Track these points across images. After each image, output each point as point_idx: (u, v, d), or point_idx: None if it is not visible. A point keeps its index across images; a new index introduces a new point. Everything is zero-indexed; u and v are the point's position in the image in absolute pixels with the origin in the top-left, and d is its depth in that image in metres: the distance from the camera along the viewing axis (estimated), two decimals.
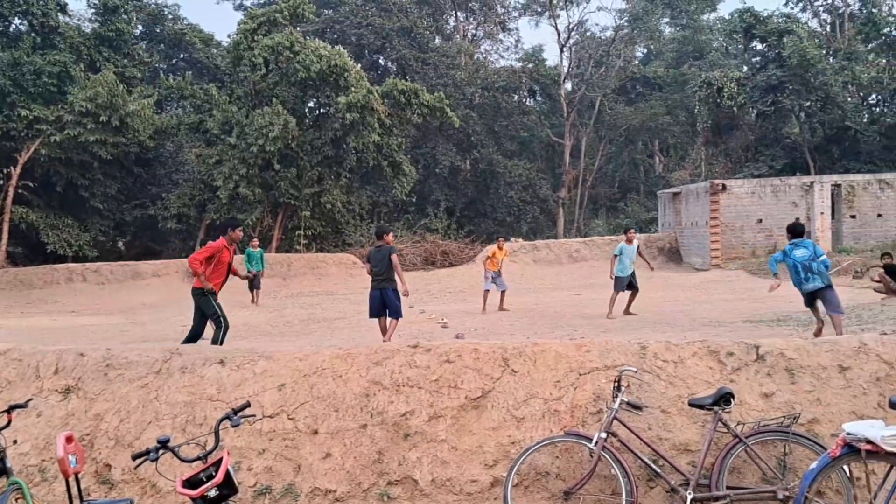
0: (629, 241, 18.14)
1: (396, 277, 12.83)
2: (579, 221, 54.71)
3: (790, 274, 12.56)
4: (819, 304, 12.58)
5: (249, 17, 38.97)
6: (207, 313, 11.58)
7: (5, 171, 35.71)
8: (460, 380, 7.35)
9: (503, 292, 20.31)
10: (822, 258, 12.24)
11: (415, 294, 24.10)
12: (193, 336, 11.78)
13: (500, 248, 20.99)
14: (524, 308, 19.29)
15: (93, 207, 37.26)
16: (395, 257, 12.75)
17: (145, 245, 41.45)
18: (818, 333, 12.20)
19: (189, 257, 12.08)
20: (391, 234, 13.70)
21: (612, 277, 18.00)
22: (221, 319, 11.58)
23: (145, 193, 40.24)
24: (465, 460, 6.95)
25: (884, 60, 44.99)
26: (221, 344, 11.06)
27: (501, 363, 7.41)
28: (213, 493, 5.10)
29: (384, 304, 12.80)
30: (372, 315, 13.04)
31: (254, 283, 22.73)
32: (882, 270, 17.83)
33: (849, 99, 43.52)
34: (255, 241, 24.63)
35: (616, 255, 17.88)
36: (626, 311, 17.99)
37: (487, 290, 20.28)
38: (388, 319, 12.89)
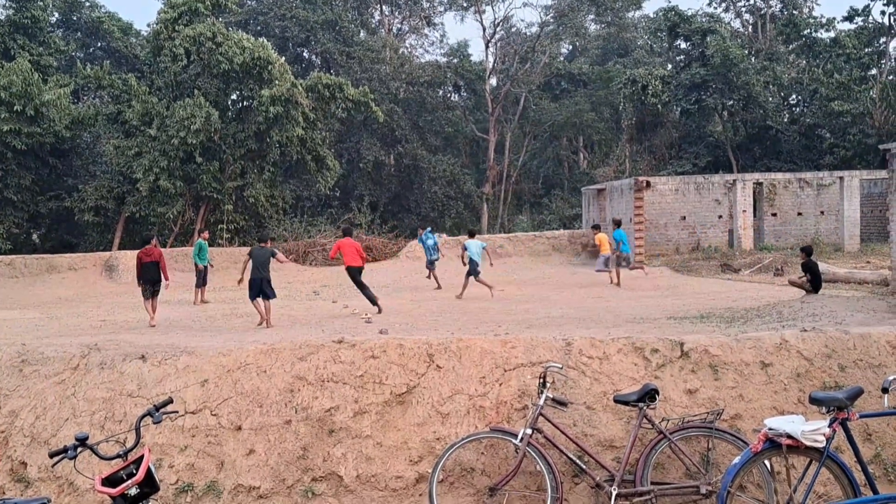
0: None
1: (271, 267, 16.41)
2: (503, 217, 55.00)
3: (425, 250, 24.03)
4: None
5: (170, 7, 38.21)
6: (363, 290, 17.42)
7: None
8: (385, 375, 7.30)
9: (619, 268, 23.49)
10: (436, 247, 24.05)
11: (338, 289, 24.00)
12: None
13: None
14: (448, 303, 19.29)
15: (6, 199, 36.25)
16: (280, 255, 16.75)
17: (61, 238, 40.48)
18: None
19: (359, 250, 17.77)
20: (271, 240, 18.21)
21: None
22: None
23: (61, 185, 39.23)
24: (390, 456, 6.92)
25: (803, 61, 46.16)
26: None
27: (426, 359, 7.39)
28: (133, 492, 4.99)
29: (261, 289, 15.80)
30: (253, 297, 15.91)
31: (204, 279, 21.96)
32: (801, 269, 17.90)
33: (770, 99, 44.50)
34: (206, 234, 23.68)
35: None
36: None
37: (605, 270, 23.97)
38: (262, 301, 15.78)
